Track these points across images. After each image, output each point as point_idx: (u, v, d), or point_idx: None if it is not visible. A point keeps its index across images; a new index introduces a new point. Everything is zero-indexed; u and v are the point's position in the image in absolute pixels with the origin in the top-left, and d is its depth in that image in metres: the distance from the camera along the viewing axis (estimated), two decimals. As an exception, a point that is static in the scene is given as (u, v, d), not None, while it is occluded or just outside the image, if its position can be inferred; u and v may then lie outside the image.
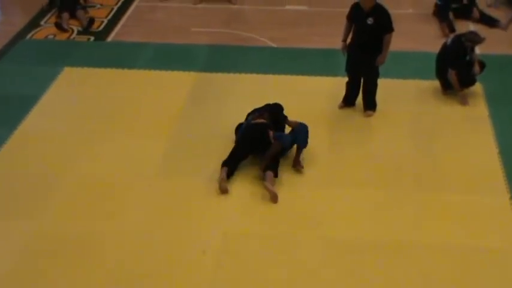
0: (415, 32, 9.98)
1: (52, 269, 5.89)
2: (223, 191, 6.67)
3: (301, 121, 7.15)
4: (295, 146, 7.06)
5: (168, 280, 5.76)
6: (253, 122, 7.15)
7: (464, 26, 9.92)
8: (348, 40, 7.71)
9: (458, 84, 8.10)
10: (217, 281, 5.76)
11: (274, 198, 6.57)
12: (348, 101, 8.05)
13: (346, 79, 7.96)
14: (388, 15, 7.40)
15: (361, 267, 5.87)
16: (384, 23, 7.38)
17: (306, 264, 5.91)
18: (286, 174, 6.97)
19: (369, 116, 7.93)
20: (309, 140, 7.05)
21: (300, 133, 7.05)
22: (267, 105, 7.42)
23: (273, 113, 7.30)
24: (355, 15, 7.53)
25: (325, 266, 5.89)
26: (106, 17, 10.80)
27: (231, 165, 6.88)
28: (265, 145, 6.88)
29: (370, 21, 7.35)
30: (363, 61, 7.62)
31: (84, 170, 7.12)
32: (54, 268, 5.90)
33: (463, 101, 8.13)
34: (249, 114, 7.36)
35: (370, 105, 7.95)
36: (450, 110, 8.04)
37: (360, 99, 8.00)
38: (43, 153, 7.40)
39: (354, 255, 5.99)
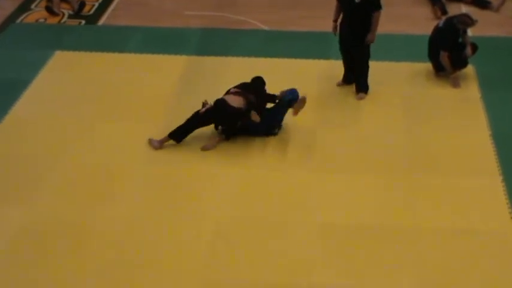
0: (407, 15, 9.94)
1: (45, 254, 5.89)
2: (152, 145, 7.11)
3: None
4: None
5: (163, 265, 5.76)
6: (231, 104, 7.07)
7: (456, 8, 9.88)
8: (339, 20, 7.70)
9: (450, 66, 8.10)
10: (212, 266, 5.77)
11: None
12: (347, 80, 8.07)
13: (338, 62, 7.98)
14: None
15: (352, 251, 5.89)
16: (371, 1, 7.37)
17: (299, 247, 5.93)
18: (276, 159, 7.00)
19: (361, 98, 7.93)
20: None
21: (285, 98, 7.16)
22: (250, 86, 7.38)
23: (257, 91, 7.30)
24: None
25: (317, 249, 5.91)
26: (97, 0, 10.71)
27: (180, 137, 7.13)
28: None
29: (357, 0, 7.35)
30: (353, 41, 7.62)
31: (75, 154, 7.10)
32: (47, 253, 5.90)
33: (455, 83, 8.14)
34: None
35: (362, 87, 7.94)
36: (442, 92, 8.05)
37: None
38: (34, 138, 7.37)
39: (346, 239, 6.01)
